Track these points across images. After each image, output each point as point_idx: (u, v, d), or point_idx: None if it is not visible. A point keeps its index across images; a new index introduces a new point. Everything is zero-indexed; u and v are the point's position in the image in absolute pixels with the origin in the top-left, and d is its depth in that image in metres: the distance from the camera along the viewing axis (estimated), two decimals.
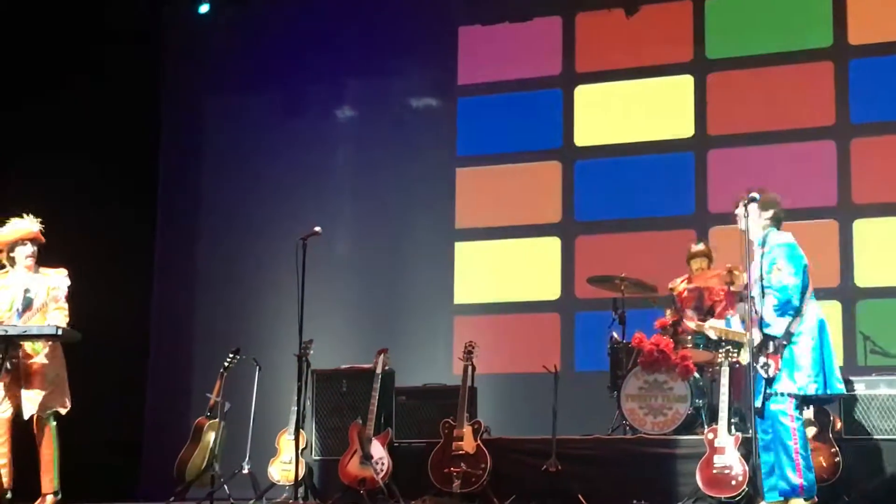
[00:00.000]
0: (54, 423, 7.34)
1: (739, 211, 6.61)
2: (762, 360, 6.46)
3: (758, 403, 6.42)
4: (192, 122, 11.68)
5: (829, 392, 6.55)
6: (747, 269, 6.55)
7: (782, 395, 6.42)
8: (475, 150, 10.89)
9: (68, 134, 10.11)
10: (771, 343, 6.45)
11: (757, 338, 6.45)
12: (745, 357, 6.66)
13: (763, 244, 6.57)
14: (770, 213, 6.63)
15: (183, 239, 11.45)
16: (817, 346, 6.49)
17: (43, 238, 7.52)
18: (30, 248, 7.41)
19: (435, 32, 11.05)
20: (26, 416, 7.26)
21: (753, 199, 6.54)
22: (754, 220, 6.61)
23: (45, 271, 7.41)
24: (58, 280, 7.24)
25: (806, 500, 6.36)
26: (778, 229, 6.66)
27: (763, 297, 6.45)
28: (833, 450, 7.61)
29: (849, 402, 7.98)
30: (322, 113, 11.29)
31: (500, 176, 10.79)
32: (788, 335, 6.44)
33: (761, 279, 6.46)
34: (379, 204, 10.99)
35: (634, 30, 10.47)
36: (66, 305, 7.31)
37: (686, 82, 10.35)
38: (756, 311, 6.42)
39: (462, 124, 10.97)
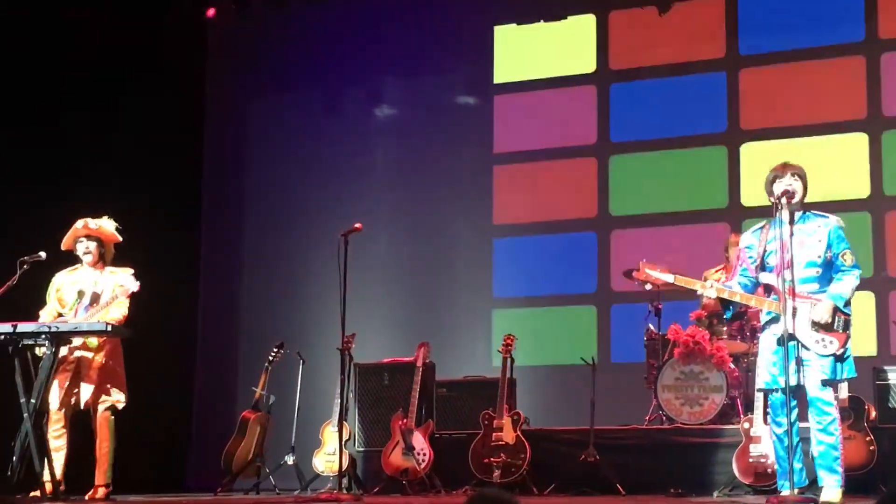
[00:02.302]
0: (113, 418, 7.49)
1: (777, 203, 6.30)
2: (819, 336, 6.21)
3: (793, 383, 6.11)
4: (235, 123, 11.82)
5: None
6: (781, 260, 6.27)
7: (826, 384, 6.20)
8: (512, 146, 11.01)
9: (116, 136, 10.23)
10: (842, 320, 6.21)
11: (803, 315, 6.20)
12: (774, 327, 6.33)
13: (807, 221, 6.36)
14: (806, 193, 6.40)
15: (228, 237, 11.60)
16: None
17: (109, 236, 7.68)
18: (85, 245, 7.61)
19: (471, 32, 11.13)
20: (82, 407, 7.42)
21: (786, 193, 6.25)
22: (800, 197, 6.37)
23: (113, 270, 7.60)
24: (124, 278, 7.39)
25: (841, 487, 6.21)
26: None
27: (820, 276, 6.30)
28: (868, 438, 7.61)
29: (883, 391, 8.00)
30: (361, 111, 11.41)
31: (537, 172, 10.89)
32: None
33: (826, 253, 6.28)
34: (418, 200, 11.08)
35: (667, 27, 10.54)
36: (127, 302, 7.46)
37: (719, 78, 10.44)
38: (791, 284, 6.20)
39: (499, 122, 11.09)
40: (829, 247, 6.31)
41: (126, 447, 7.81)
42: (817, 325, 6.22)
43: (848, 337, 6.23)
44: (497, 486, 8.12)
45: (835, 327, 6.22)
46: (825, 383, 6.21)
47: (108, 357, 7.49)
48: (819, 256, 6.31)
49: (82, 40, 9.99)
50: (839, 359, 6.24)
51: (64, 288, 7.61)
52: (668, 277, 6.60)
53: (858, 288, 6.37)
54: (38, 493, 6.92)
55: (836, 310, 6.22)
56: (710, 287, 6.52)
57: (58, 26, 9.85)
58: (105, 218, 7.72)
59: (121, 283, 7.38)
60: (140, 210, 9.73)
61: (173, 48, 10.94)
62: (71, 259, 7.73)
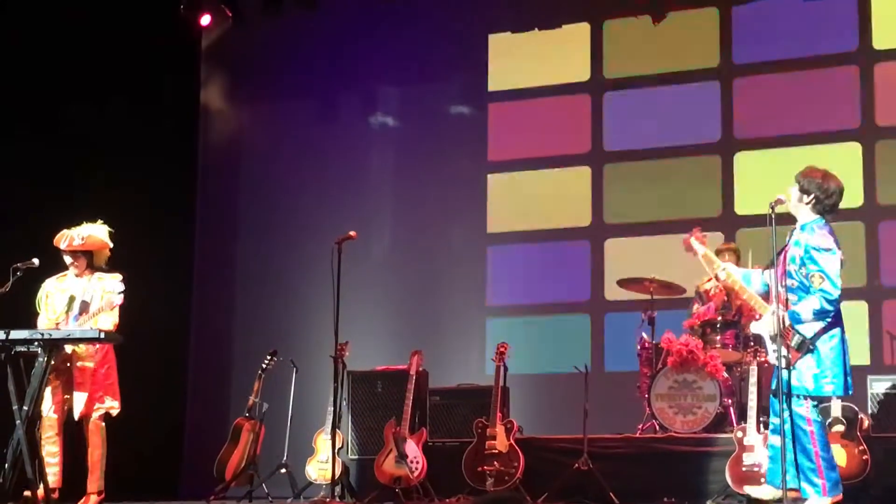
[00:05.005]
0: (104, 425, 7.46)
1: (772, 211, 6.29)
2: (774, 346, 6.31)
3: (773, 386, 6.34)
4: (228, 130, 11.81)
5: (847, 394, 6.44)
6: (775, 266, 6.36)
7: (800, 396, 6.29)
8: (506, 155, 11.01)
9: (110, 141, 10.23)
10: (796, 338, 6.29)
11: (775, 322, 6.29)
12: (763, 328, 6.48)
13: (803, 231, 6.38)
14: (809, 197, 6.38)
15: (222, 243, 11.59)
16: (839, 348, 6.33)
17: (91, 246, 7.56)
18: (69, 258, 7.58)
19: (466, 40, 11.14)
20: (77, 417, 7.38)
21: (779, 202, 6.31)
22: (794, 203, 6.41)
23: (101, 276, 7.55)
24: (112, 285, 7.36)
25: (830, 497, 6.29)
26: (824, 216, 6.40)
27: (796, 288, 6.34)
28: (861, 448, 7.58)
29: (877, 401, 8.04)
30: (355, 119, 11.42)
31: (531, 180, 10.91)
32: (816, 338, 6.30)
33: (800, 269, 6.31)
34: (413, 208, 11.10)
35: (662, 36, 10.57)
36: (114, 313, 7.38)
37: (713, 87, 10.45)
38: (783, 291, 6.32)
39: (493, 130, 11.10)
40: (802, 264, 6.35)
41: (119, 454, 7.78)
42: (773, 336, 6.33)
43: (800, 356, 6.28)
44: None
45: (790, 342, 6.28)
46: (799, 396, 6.29)
47: (101, 365, 7.45)
48: (795, 271, 6.37)
49: (75, 47, 9.99)
50: (820, 375, 6.29)
51: (53, 295, 7.57)
52: (701, 249, 6.87)
53: (851, 297, 6.42)
54: (28, 493, 6.90)
55: (788, 325, 6.29)
56: (723, 271, 6.67)
57: (50, 33, 9.84)
58: (96, 224, 7.67)
59: (108, 289, 7.34)
60: (133, 217, 9.72)
61: (167, 55, 10.94)
62: (61, 263, 7.70)
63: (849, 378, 6.35)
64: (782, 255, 6.41)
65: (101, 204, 8.65)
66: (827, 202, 6.40)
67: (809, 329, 6.29)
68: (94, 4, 10.13)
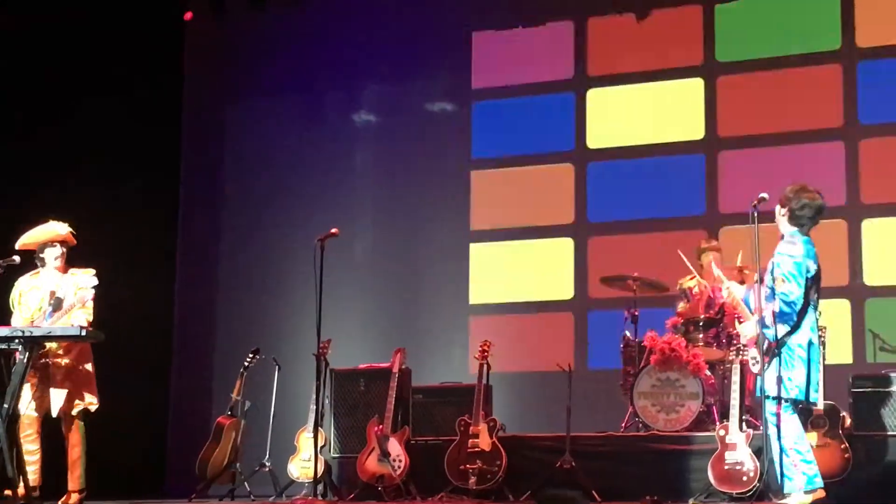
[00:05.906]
0: (82, 423, 7.43)
1: (755, 211, 6.54)
2: (754, 353, 6.51)
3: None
4: (212, 127, 11.78)
5: (811, 399, 6.58)
6: (758, 268, 6.53)
7: (769, 397, 6.43)
8: (490, 152, 11.01)
9: (93, 140, 10.22)
10: (765, 343, 6.43)
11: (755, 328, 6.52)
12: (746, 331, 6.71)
13: (782, 242, 6.53)
14: (784, 210, 6.55)
15: (204, 241, 11.56)
16: (805, 358, 6.45)
17: (73, 240, 7.62)
18: (58, 250, 7.53)
19: (449, 38, 11.14)
20: (54, 414, 7.35)
21: (762, 200, 6.51)
22: (777, 215, 6.59)
23: (74, 271, 7.51)
24: (85, 280, 7.31)
25: (807, 492, 6.37)
26: (800, 229, 6.53)
27: (769, 296, 6.46)
28: (843, 446, 7.60)
29: (859, 399, 8.06)
30: (339, 117, 11.40)
31: (515, 178, 10.90)
32: (782, 342, 6.44)
33: (771, 275, 6.46)
34: (396, 206, 11.09)
35: (645, 34, 10.57)
36: (90, 306, 7.38)
37: (696, 85, 10.47)
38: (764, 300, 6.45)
39: (476, 127, 11.09)
40: (771, 272, 6.46)
41: (100, 452, 7.77)
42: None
43: (769, 360, 6.41)
44: (474, 493, 8.14)
45: (764, 347, 6.41)
46: (769, 397, 6.42)
47: (77, 361, 7.43)
48: (768, 280, 6.49)
49: (58, 43, 9.95)
50: (785, 379, 6.41)
51: (27, 293, 7.53)
52: (716, 271, 7.47)
53: (833, 296, 6.47)
54: (10, 492, 6.87)
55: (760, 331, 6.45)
56: (727, 290, 7.07)
57: (32, 30, 9.81)
58: (58, 222, 7.64)
59: (81, 285, 7.30)
60: (116, 214, 9.76)
61: (151, 51, 10.90)
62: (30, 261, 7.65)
63: (816, 385, 6.51)
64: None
65: (84, 201, 8.65)
66: (798, 214, 6.53)
67: (775, 332, 6.42)
68: (80, 3, 10.10)
